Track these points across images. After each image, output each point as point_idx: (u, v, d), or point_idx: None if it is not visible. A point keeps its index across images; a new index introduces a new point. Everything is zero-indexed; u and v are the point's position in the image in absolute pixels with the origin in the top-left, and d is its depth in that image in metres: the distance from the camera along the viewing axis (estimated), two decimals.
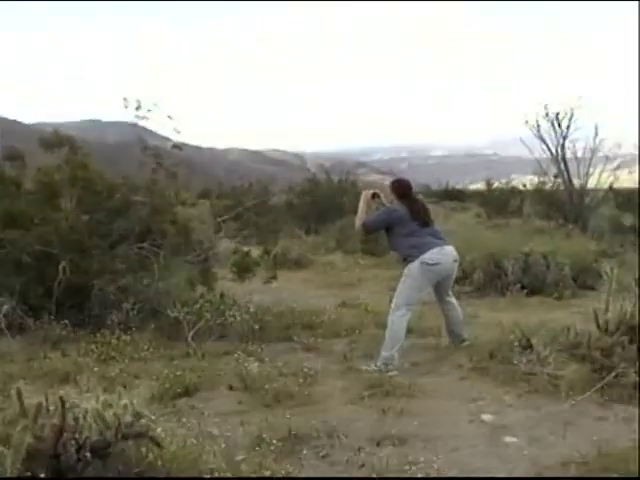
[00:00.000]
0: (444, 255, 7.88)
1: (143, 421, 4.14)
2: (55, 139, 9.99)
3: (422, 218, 8.02)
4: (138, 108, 10.16)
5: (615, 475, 4.56)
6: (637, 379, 6.39)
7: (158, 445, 4.09)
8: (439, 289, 8.19)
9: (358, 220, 8.29)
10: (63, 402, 3.77)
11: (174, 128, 10.33)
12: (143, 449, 4.11)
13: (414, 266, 7.78)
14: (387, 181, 8.82)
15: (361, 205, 8.29)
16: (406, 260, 7.92)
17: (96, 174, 9.80)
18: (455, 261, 8.09)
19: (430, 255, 7.75)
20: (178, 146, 11.04)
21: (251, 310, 9.33)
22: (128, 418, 4.05)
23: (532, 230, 19.48)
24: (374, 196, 8.28)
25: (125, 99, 10.18)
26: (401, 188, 8.23)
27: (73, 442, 3.86)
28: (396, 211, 8.03)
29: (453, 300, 8.37)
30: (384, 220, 8.13)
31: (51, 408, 4.02)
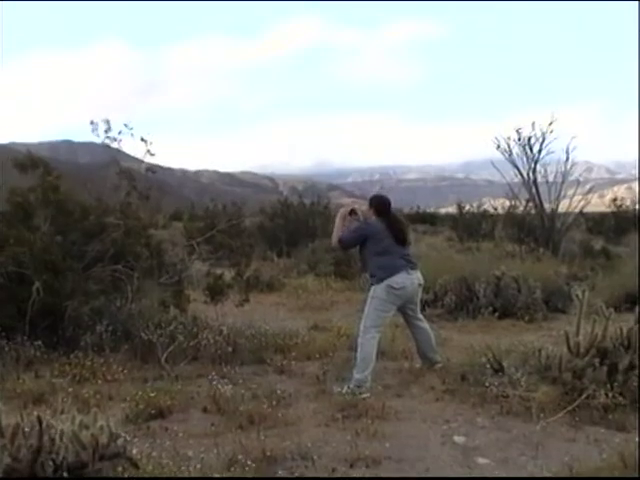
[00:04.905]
0: (410, 279, 7.95)
1: (119, 442, 4.16)
2: (29, 161, 9.95)
3: (400, 235, 8.07)
4: (107, 130, 10.16)
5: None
6: (607, 401, 6.47)
7: (135, 466, 4.11)
8: (405, 311, 8.26)
9: (334, 236, 8.32)
10: (41, 422, 3.79)
11: (148, 150, 10.30)
12: (119, 469, 4.13)
13: (380, 288, 7.86)
14: (358, 204, 8.83)
15: (337, 222, 8.32)
16: (373, 278, 7.99)
17: (67, 196, 9.77)
18: (420, 285, 8.17)
19: (397, 279, 7.83)
20: (152, 169, 10.99)
21: (224, 332, 9.32)
22: (104, 439, 4.07)
23: (503, 254, 19.58)
24: (351, 213, 8.30)
25: (93, 122, 10.19)
26: (380, 204, 8.26)
27: (50, 463, 3.87)
28: (371, 225, 8.06)
29: (423, 324, 8.41)
30: (360, 234, 8.12)
31: (26, 429, 4.02)
